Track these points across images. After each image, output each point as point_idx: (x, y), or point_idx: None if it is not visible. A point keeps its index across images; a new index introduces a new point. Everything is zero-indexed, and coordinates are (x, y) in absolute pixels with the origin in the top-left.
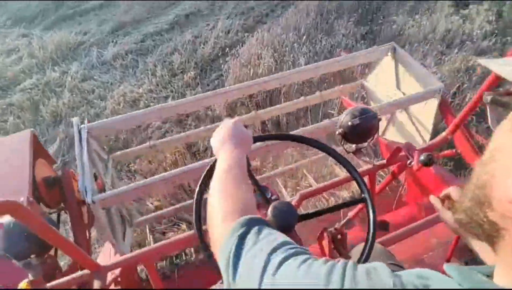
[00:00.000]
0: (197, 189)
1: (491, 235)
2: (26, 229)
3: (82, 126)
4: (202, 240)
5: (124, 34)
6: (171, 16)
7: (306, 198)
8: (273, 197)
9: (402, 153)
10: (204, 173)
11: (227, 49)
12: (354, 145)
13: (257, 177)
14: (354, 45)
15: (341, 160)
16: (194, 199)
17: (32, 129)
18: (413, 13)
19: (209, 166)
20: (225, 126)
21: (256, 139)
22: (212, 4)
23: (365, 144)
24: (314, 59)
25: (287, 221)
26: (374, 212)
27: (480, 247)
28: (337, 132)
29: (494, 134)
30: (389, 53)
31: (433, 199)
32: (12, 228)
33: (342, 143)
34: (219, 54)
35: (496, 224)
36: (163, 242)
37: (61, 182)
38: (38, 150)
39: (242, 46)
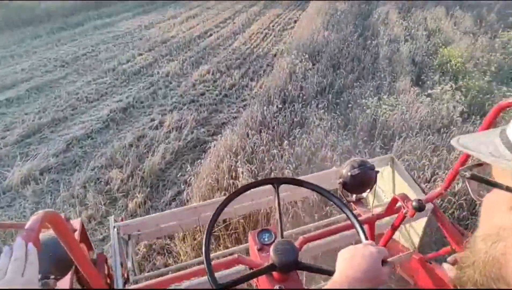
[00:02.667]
0: (208, 225)
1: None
2: (50, 249)
3: (114, 224)
4: (210, 274)
5: (38, 141)
6: (104, 110)
7: (308, 242)
8: (276, 239)
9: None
10: (216, 210)
11: (184, 154)
12: (354, 195)
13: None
14: (336, 140)
15: (345, 211)
16: (205, 234)
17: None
18: (379, 92)
19: (221, 204)
20: (364, 251)
21: (286, 181)
22: (154, 92)
23: (364, 194)
24: (296, 165)
25: (288, 259)
26: None
27: None
28: (337, 182)
29: (487, 210)
30: (389, 163)
31: (446, 266)
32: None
33: (342, 192)
34: (174, 162)
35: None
36: (173, 275)
37: (96, 265)
38: (82, 236)
39: (202, 147)
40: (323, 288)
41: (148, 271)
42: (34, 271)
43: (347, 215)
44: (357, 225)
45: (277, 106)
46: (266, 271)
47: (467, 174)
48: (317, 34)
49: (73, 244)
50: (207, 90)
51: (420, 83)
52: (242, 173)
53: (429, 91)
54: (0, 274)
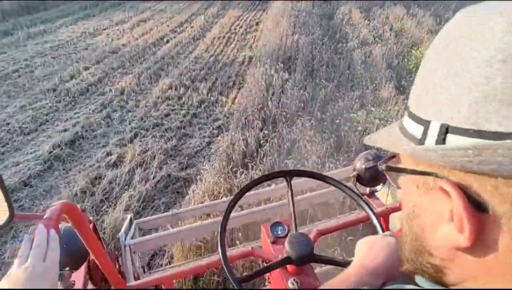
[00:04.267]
0: (224, 215)
1: (437, 276)
2: (66, 240)
3: (133, 221)
4: (228, 270)
5: None
6: (45, 145)
7: (322, 235)
8: (289, 233)
9: None
10: (233, 200)
11: (155, 199)
12: (368, 189)
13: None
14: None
15: (360, 202)
16: (220, 226)
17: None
18: (365, 104)
19: (235, 196)
20: (382, 243)
21: (299, 174)
22: (108, 116)
23: (378, 187)
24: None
25: (303, 251)
26: None
27: None
28: (351, 175)
29: (404, 193)
30: None
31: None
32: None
33: (356, 186)
34: (143, 213)
35: (438, 266)
36: (187, 266)
37: None
38: (95, 233)
39: (175, 187)
40: (339, 277)
41: (158, 269)
42: (55, 257)
43: (361, 206)
44: (373, 217)
45: (260, 129)
46: (282, 264)
47: (383, 166)
48: (286, 38)
49: (89, 235)
50: (172, 110)
51: (402, 89)
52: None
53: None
54: (21, 260)
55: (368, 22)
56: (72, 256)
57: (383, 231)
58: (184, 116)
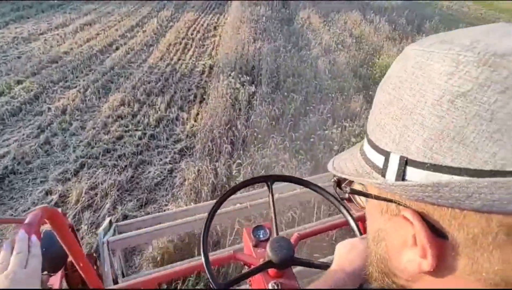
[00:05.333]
0: (207, 217)
1: None
2: (44, 244)
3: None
4: (210, 274)
5: None
6: None
7: (303, 238)
8: (271, 236)
9: None
10: (215, 204)
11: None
12: (347, 194)
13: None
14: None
15: (339, 207)
16: (202, 230)
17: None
18: (337, 119)
19: (220, 198)
20: (361, 245)
21: (280, 179)
22: (46, 142)
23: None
24: None
25: (284, 255)
26: None
27: None
28: (332, 180)
29: (369, 216)
30: None
31: None
32: None
33: (336, 191)
34: None
35: (404, 286)
36: (168, 271)
37: None
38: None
39: None
40: (318, 279)
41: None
42: (37, 263)
43: (340, 210)
44: (351, 221)
45: (229, 153)
46: (264, 268)
47: (348, 189)
48: (248, 45)
49: (69, 239)
50: (126, 131)
51: (370, 100)
52: None
53: None
54: (2, 267)
55: (328, 28)
56: (51, 260)
57: (361, 234)
58: (140, 138)
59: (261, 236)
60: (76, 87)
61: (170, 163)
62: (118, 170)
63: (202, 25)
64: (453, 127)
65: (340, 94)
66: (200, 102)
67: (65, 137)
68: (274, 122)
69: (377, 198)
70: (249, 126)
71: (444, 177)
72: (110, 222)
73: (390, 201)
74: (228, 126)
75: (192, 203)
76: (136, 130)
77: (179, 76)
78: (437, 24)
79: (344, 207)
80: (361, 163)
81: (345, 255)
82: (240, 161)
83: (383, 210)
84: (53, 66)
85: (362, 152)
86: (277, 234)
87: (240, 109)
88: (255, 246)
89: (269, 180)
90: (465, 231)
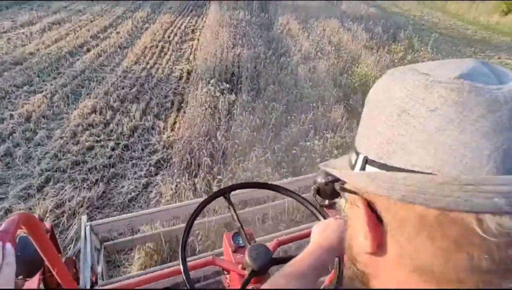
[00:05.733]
0: (187, 222)
1: (365, 283)
2: (19, 249)
3: (87, 223)
4: (185, 272)
5: None
6: None
7: (282, 245)
8: (251, 242)
9: None
10: (195, 211)
11: None
12: (327, 201)
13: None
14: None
15: (306, 205)
16: (184, 231)
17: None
18: (318, 129)
19: (199, 206)
20: (334, 224)
21: (237, 187)
22: (7, 154)
23: (337, 199)
24: None
25: (262, 262)
26: (341, 254)
27: None
28: (312, 187)
29: (347, 209)
30: None
31: None
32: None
33: (316, 198)
34: None
35: (364, 272)
36: (145, 276)
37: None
38: (52, 239)
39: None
40: (299, 256)
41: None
42: (11, 272)
43: (296, 200)
44: (314, 210)
45: (209, 167)
46: (250, 279)
47: (339, 187)
48: (227, 51)
49: (46, 245)
50: (97, 141)
51: (350, 109)
52: None
53: None
54: None
55: (307, 34)
56: (26, 264)
57: (325, 218)
58: (113, 149)
59: (240, 242)
60: (42, 92)
61: (145, 177)
62: (88, 184)
63: (180, 27)
64: (398, 135)
65: (321, 103)
66: (178, 109)
67: (28, 147)
68: (255, 133)
69: (350, 191)
70: (230, 137)
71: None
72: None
73: (355, 193)
74: (208, 137)
75: (170, 222)
76: (109, 139)
77: (155, 81)
78: (410, 33)
79: (315, 208)
80: (344, 161)
81: (321, 233)
82: (221, 177)
83: (350, 201)
84: (16, 68)
85: (349, 156)
86: (249, 243)
87: (219, 119)
88: (234, 251)
89: (227, 191)
90: (394, 217)
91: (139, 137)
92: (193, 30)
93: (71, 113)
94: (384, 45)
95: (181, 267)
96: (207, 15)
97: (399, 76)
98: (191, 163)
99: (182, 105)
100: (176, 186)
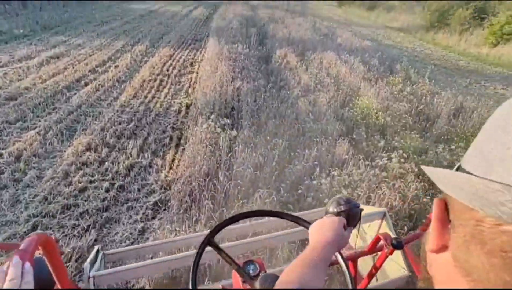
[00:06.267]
0: (197, 252)
1: (431, 285)
2: (35, 271)
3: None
4: None
5: None
6: None
7: None
8: (261, 272)
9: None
10: (203, 242)
11: None
12: None
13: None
14: None
15: (280, 214)
16: (192, 264)
17: None
18: (324, 166)
19: (206, 239)
20: (329, 221)
21: (218, 229)
22: None
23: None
24: None
25: None
26: (353, 286)
27: None
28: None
29: None
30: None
31: None
32: None
33: None
34: None
35: (429, 274)
36: None
37: None
38: None
39: None
40: (300, 256)
41: None
42: None
43: (285, 218)
44: (341, 261)
45: (211, 209)
46: None
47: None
48: (226, 85)
49: (60, 267)
50: (91, 182)
51: (354, 144)
52: None
53: (379, 162)
54: None
55: (306, 67)
56: (39, 285)
57: (350, 276)
58: (107, 190)
59: (251, 271)
60: (35, 128)
61: (141, 221)
62: (78, 232)
63: (178, 60)
64: (487, 148)
65: (324, 138)
66: (176, 145)
67: (17, 190)
68: (258, 172)
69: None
70: (232, 177)
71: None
72: (97, 251)
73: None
74: (209, 177)
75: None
76: (103, 180)
77: (153, 116)
78: (406, 65)
79: (285, 213)
80: (477, 186)
81: (317, 232)
82: (220, 215)
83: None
84: (11, 104)
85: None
86: (259, 274)
87: (220, 156)
88: (244, 281)
89: (209, 237)
90: (458, 220)
91: (135, 176)
92: (191, 63)
93: (65, 151)
94: (382, 77)
95: None
96: (205, 48)
97: None
98: (191, 206)
99: (181, 141)
100: (176, 235)
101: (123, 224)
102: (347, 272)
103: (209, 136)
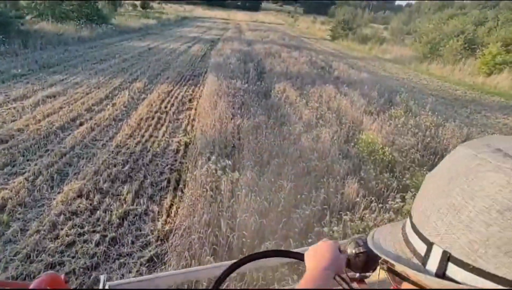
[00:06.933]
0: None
1: None
2: None
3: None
4: None
5: None
6: None
7: None
8: None
9: None
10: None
11: None
12: (358, 274)
13: None
14: None
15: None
16: None
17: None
18: (334, 211)
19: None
20: (324, 245)
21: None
22: None
23: (368, 274)
24: None
25: None
26: None
27: None
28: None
29: None
30: None
31: None
32: None
33: (345, 270)
34: None
35: None
36: None
37: None
38: None
39: None
40: (299, 283)
41: None
42: None
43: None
44: (286, 255)
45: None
46: None
47: (385, 267)
48: (226, 121)
49: None
50: (80, 235)
51: (364, 183)
52: None
53: (393, 204)
54: None
55: (306, 101)
56: None
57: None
58: (98, 244)
59: None
60: (24, 173)
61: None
62: None
63: (177, 97)
64: (500, 237)
65: (331, 177)
66: (174, 189)
67: None
68: (264, 220)
69: (414, 284)
70: (235, 227)
71: (487, 284)
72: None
73: (403, 278)
74: (210, 228)
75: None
76: (94, 231)
77: (151, 156)
78: (406, 97)
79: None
80: (401, 245)
81: (313, 257)
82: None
83: (393, 280)
84: (0, 148)
85: (404, 233)
86: None
87: (222, 202)
88: None
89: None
90: None
91: (129, 226)
92: (190, 100)
93: (54, 199)
94: (383, 110)
95: None
96: (204, 84)
97: (493, 162)
98: (190, 264)
99: (179, 183)
100: None
101: None
102: None
103: (210, 179)
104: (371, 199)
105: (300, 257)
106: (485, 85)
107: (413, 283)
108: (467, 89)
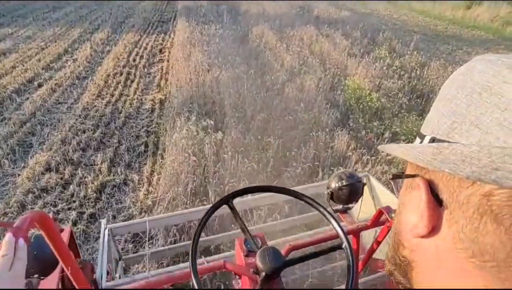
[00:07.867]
0: (194, 234)
1: (407, 271)
2: (35, 248)
3: (107, 226)
4: (195, 275)
5: None
6: None
7: (294, 249)
8: (263, 246)
9: (384, 216)
10: (200, 223)
11: None
12: (340, 206)
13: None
14: None
15: (320, 210)
16: (192, 242)
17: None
18: (325, 167)
19: (203, 218)
20: None
21: (239, 193)
22: None
23: (351, 205)
24: None
25: (273, 265)
26: (353, 260)
27: None
28: (325, 192)
29: (399, 198)
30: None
31: None
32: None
33: (329, 203)
34: None
35: (407, 259)
36: (155, 278)
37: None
38: (71, 243)
39: None
40: None
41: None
42: (21, 267)
43: (306, 202)
44: (339, 231)
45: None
46: (264, 284)
47: (391, 176)
48: (203, 73)
49: (59, 244)
50: (53, 213)
51: (352, 133)
52: None
53: (385, 156)
54: None
55: (286, 46)
56: (42, 263)
57: (348, 240)
58: (75, 222)
59: (253, 245)
60: None
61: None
62: None
63: (145, 48)
64: (474, 113)
65: (321, 130)
66: (153, 154)
67: None
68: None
69: (407, 176)
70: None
71: None
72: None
73: (414, 176)
74: (197, 198)
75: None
76: (69, 208)
77: (123, 118)
78: (389, 35)
79: (332, 216)
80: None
81: None
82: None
83: (407, 186)
84: None
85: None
86: (258, 248)
87: (207, 166)
88: (246, 255)
89: (229, 198)
90: (456, 197)
91: (108, 199)
92: (161, 50)
93: (18, 176)
94: (369, 51)
95: (191, 270)
96: (174, 31)
97: (483, 60)
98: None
99: (158, 146)
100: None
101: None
102: (348, 247)
103: (191, 142)
104: (362, 151)
105: (333, 220)
106: (465, 18)
107: (406, 176)
108: (447, 24)
